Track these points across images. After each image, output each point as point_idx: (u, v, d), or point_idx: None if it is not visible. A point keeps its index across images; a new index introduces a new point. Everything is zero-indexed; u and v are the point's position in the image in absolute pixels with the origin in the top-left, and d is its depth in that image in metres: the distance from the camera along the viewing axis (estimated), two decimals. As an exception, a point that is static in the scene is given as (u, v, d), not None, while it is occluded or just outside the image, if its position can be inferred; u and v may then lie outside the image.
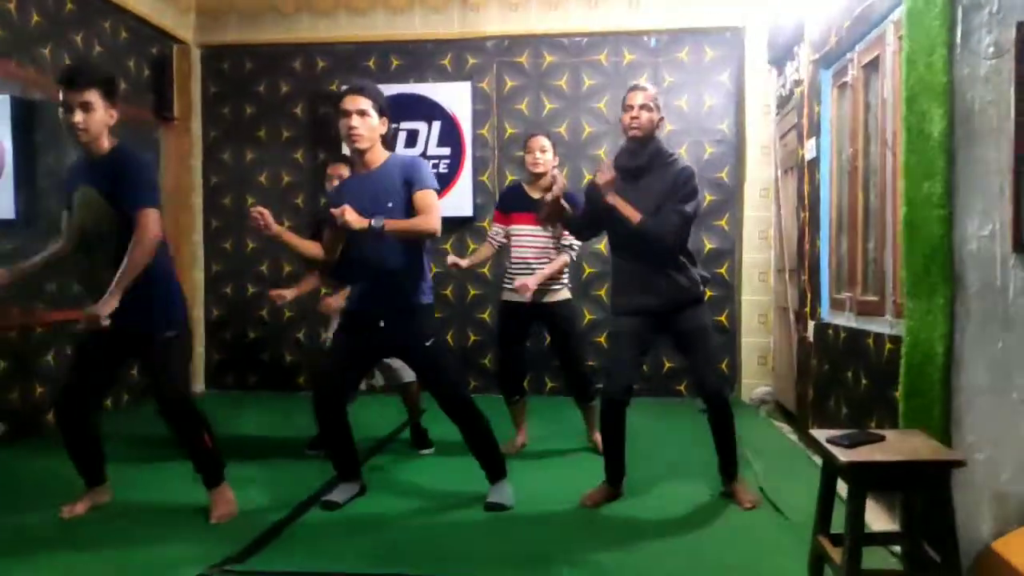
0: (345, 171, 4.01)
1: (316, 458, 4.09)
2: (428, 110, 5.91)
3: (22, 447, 4.34)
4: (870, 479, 2.27)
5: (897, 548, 2.71)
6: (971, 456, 2.37)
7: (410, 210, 3.13)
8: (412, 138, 5.94)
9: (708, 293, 3.91)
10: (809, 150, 4.33)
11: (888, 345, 3.17)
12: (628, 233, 3.24)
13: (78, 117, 2.88)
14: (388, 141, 3.28)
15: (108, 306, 2.80)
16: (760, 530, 3.09)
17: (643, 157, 3.27)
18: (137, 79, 5.69)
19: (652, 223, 3.17)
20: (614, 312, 3.42)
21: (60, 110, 2.90)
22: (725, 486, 3.46)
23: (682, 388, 5.85)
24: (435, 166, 5.91)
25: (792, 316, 4.92)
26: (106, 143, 3.01)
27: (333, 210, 3.03)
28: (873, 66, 3.52)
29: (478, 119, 5.98)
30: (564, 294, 4.14)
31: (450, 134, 5.93)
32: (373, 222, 2.99)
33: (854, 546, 2.25)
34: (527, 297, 3.96)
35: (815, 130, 4.24)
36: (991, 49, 2.37)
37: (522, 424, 4.34)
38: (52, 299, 4.76)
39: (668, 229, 3.19)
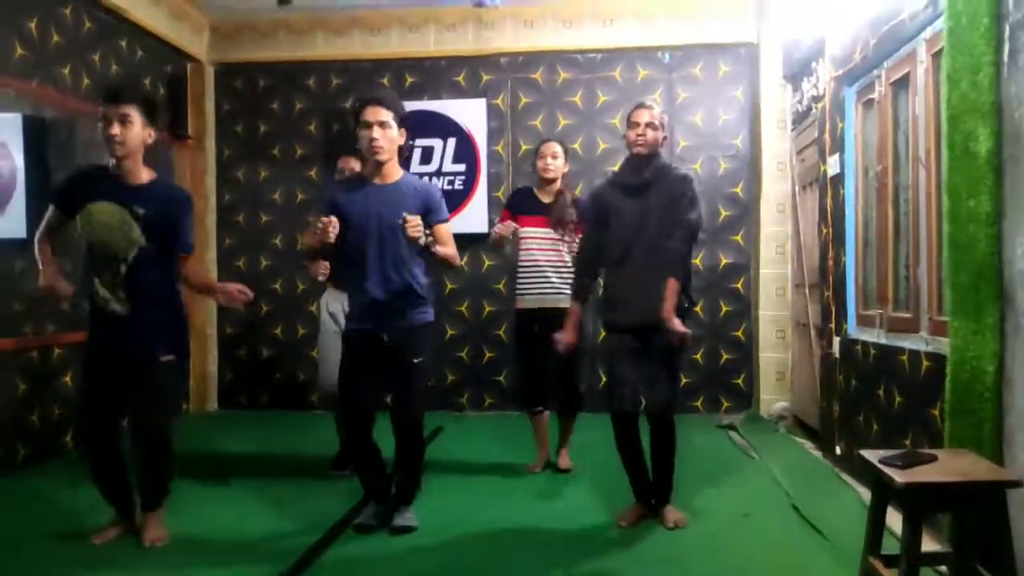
0: (356, 164, 4.03)
1: (340, 478, 4.06)
2: (443, 127, 5.91)
3: (42, 470, 4.28)
4: (927, 500, 2.25)
5: (942, 567, 2.69)
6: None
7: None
8: (427, 155, 5.94)
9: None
10: (832, 166, 4.34)
11: (925, 363, 3.16)
12: (633, 248, 3.28)
13: (115, 129, 2.89)
14: (403, 154, 3.28)
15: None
16: (801, 550, 3.05)
17: (647, 173, 3.32)
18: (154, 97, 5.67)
19: (668, 259, 3.21)
20: (605, 328, 3.45)
21: (99, 124, 2.92)
22: (657, 507, 3.37)
23: (698, 404, 5.84)
24: (450, 182, 5.91)
25: (813, 332, 4.91)
26: (143, 172, 3.04)
27: (409, 219, 3.07)
28: (902, 83, 3.53)
29: (493, 135, 5.98)
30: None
31: (465, 151, 5.92)
32: (429, 239, 3.10)
33: (911, 569, 2.23)
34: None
35: (838, 146, 4.24)
36: (1038, 68, 2.38)
37: (545, 440, 4.29)
38: (67, 320, 4.72)
39: (677, 247, 3.22)
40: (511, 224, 4.12)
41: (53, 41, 4.62)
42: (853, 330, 4.11)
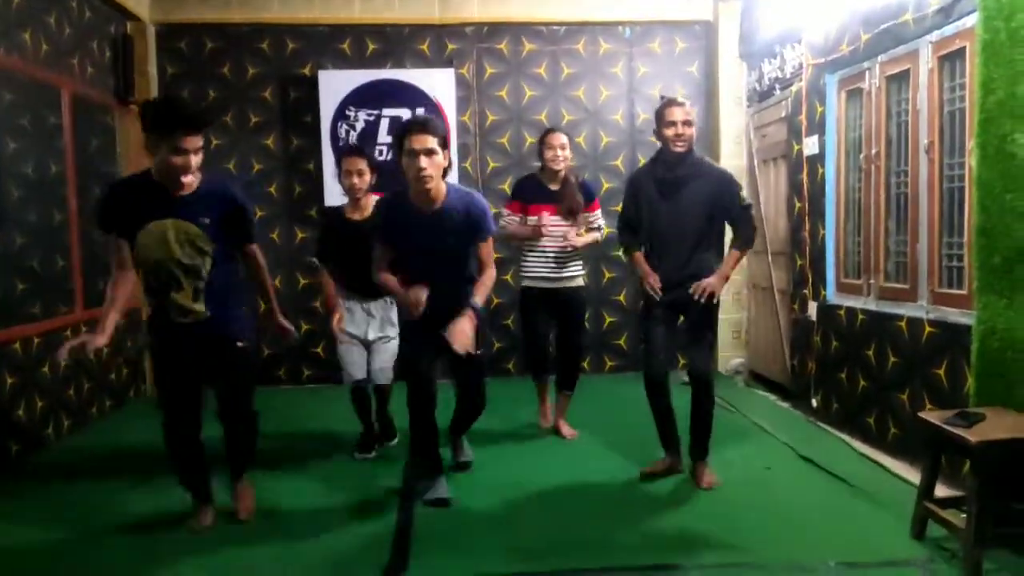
0: (363, 165, 3.90)
1: (367, 460, 4.12)
2: (412, 97, 5.84)
3: (36, 465, 4.06)
4: (997, 455, 2.66)
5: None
6: (1052, 427, 2.82)
7: (470, 247, 3.33)
8: (395, 125, 5.86)
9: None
10: (809, 146, 4.74)
11: (928, 328, 3.62)
12: (671, 234, 3.56)
13: (194, 162, 2.85)
14: (447, 173, 3.29)
15: (287, 328, 3.33)
16: (833, 498, 3.45)
17: (684, 168, 3.53)
18: (99, 60, 5.26)
19: (746, 237, 3.56)
20: (644, 299, 3.70)
21: (169, 154, 2.78)
22: (693, 463, 3.67)
23: (658, 362, 6.23)
24: (419, 153, 5.88)
25: (778, 296, 5.38)
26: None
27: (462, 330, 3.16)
28: (898, 78, 3.93)
29: (459, 106, 5.99)
30: (580, 281, 4.44)
31: (434, 121, 5.89)
32: (473, 309, 3.22)
33: (981, 512, 2.65)
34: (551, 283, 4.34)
35: (817, 128, 4.64)
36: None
37: (547, 400, 4.63)
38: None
39: (753, 226, 3.64)
40: (539, 218, 4.28)
41: (14, 4, 4.20)
42: (833, 296, 4.58)
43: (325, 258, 4.04)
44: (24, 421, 4.16)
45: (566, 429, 4.53)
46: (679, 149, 3.48)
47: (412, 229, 3.24)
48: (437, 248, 3.25)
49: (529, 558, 2.89)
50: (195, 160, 2.85)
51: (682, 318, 3.65)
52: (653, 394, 3.70)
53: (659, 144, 3.58)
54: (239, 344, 3.12)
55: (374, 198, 3.77)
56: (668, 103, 3.53)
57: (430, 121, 3.19)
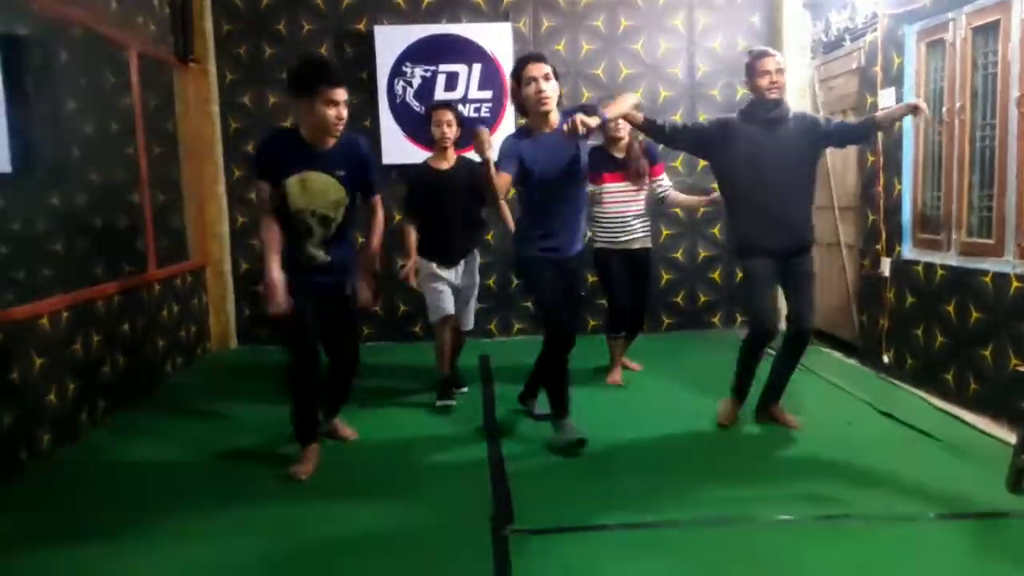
0: (451, 116, 4.17)
1: (445, 409, 4.23)
2: (468, 52, 5.78)
3: (123, 424, 4.17)
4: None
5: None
6: None
7: (582, 166, 3.49)
8: (452, 81, 5.82)
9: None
10: (884, 98, 4.64)
11: (1015, 284, 3.58)
12: (780, 174, 3.55)
13: (344, 113, 3.15)
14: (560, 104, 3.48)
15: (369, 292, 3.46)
16: (919, 452, 3.46)
17: (779, 111, 3.59)
18: (161, 17, 5.24)
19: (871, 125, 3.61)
20: (744, 254, 3.70)
21: (324, 106, 3.08)
22: (769, 408, 3.85)
23: (716, 320, 6.23)
24: (476, 110, 5.84)
25: (846, 251, 5.33)
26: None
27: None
28: (986, 29, 3.82)
29: (516, 61, 5.91)
30: (648, 243, 4.65)
31: (491, 77, 5.84)
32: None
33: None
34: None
35: (893, 81, 4.54)
36: None
37: (619, 360, 4.74)
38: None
39: (854, 122, 3.71)
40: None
41: (84, -41, 4.18)
42: (908, 252, 4.52)
43: (412, 214, 4.27)
44: (110, 377, 4.26)
45: (632, 364, 4.95)
46: (775, 95, 3.55)
47: (542, 151, 3.37)
48: (559, 167, 3.39)
49: (625, 508, 2.94)
50: (344, 112, 3.14)
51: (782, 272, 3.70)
52: (758, 348, 3.74)
53: (749, 95, 3.66)
54: (350, 292, 3.44)
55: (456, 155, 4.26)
56: (760, 54, 3.60)
57: (542, 54, 3.43)
